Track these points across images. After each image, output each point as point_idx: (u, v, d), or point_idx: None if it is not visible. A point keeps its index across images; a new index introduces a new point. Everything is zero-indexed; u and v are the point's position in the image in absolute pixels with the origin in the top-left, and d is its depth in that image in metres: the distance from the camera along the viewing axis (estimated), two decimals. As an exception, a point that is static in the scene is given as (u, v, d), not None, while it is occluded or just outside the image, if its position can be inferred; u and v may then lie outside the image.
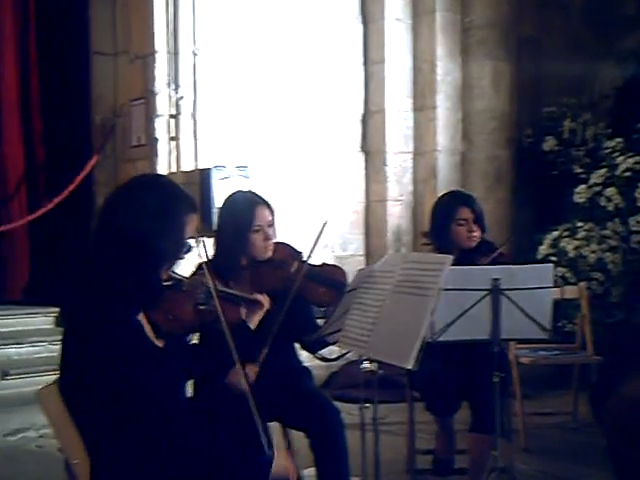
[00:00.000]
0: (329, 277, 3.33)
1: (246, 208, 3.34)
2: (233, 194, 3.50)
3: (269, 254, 3.34)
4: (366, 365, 2.85)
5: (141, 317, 2.34)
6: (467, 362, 3.69)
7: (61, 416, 2.26)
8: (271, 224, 3.35)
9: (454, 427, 4.17)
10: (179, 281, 2.49)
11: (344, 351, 3.20)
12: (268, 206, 3.38)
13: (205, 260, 2.75)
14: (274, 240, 3.36)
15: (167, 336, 2.39)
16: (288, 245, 3.43)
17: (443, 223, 3.99)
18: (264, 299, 3.00)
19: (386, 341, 2.64)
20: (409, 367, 2.46)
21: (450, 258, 2.69)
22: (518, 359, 4.95)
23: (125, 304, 2.25)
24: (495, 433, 3.32)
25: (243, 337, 2.64)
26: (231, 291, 2.89)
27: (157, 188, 2.41)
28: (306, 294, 3.25)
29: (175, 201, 2.38)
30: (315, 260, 3.29)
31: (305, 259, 3.21)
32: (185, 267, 2.56)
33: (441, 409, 3.99)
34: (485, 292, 3.16)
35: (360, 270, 3.12)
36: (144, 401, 2.22)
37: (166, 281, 2.42)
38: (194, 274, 2.94)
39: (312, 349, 3.41)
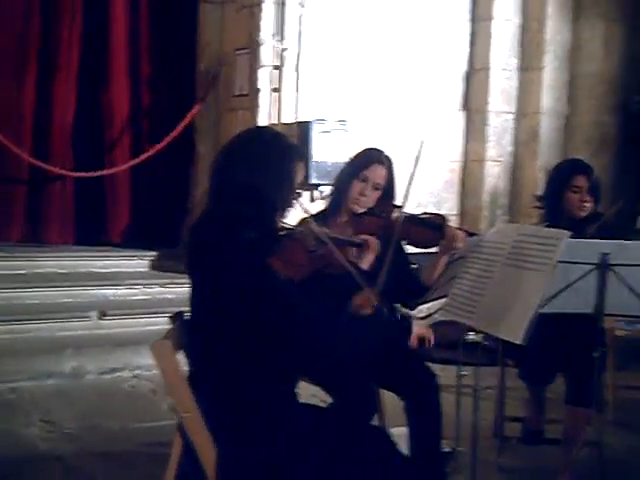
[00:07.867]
0: (430, 220, 3.36)
1: (364, 158, 3.40)
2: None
3: (359, 209, 3.34)
4: (471, 336, 2.83)
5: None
6: (565, 334, 3.64)
7: (174, 369, 2.30)
8: (378, 187, 3.34)
9: (545, 396, 4.14)
10: (290, 230, 2.54)
11: (431, 311, 3.18)
12: (387, 170, 3.37)
13: (308, 212, 2.80)
14: (370, 200, 3.34)
15: None
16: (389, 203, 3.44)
17: (557, 189, 3.99)
18: (372, 240, 2.93)
19: (495, 313, 2.61)
20: (518, 342, 2.44)
21: (567, 234, 2.63)
22: (614, 331, 4.86)
23: (252, 253, 2.29)
24: (592, 407, 3.29)
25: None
26: (341, 236, 2.88)
27: (263, 140, 2.46)
28: (409, 237, 3.30)
29: (282, 151, 2.44)
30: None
31: (403, 202, 3.17)
32: (290, 218, 2.59)
33: (536, 379, 3.95)
34: (592, 266, 3.08)
35: (469, 239, 3.09)
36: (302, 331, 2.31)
37: (279, 231, 2.47)
38: (298, 224, 2.96)
39: (410, 305, 3.45)
